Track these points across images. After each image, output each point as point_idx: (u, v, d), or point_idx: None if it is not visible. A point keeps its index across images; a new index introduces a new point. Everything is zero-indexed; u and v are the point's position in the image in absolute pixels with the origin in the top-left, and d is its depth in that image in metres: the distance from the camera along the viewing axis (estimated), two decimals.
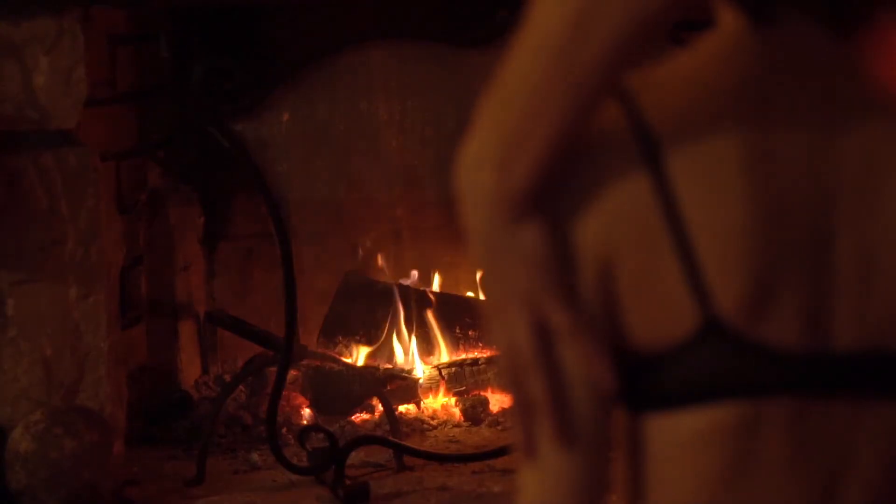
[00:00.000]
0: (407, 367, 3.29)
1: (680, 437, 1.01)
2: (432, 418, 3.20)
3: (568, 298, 0.99)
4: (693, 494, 1.01)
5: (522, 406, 1.00)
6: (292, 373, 3.10)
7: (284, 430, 3.06)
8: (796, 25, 1.00)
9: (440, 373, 3.27)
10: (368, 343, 3.32)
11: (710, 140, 0.99)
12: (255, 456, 2.99)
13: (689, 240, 0.98)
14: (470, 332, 3.36)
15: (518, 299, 0.99)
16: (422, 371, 3.28)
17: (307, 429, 2.98)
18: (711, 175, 0.99)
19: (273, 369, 2.98)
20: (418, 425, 3.16)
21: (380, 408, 3.15)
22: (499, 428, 3.15)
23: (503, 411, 3.20)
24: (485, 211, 1.00)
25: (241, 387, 3.19)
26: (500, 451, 2.91)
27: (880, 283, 0.98)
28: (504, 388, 1.02)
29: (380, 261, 3.44)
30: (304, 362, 3.18)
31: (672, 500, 1.02)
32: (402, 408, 3.20)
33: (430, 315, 3.34)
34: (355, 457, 2.91)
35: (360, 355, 3.32)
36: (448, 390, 3.26)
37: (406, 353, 3.32)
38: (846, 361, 0.99)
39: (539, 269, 0.99)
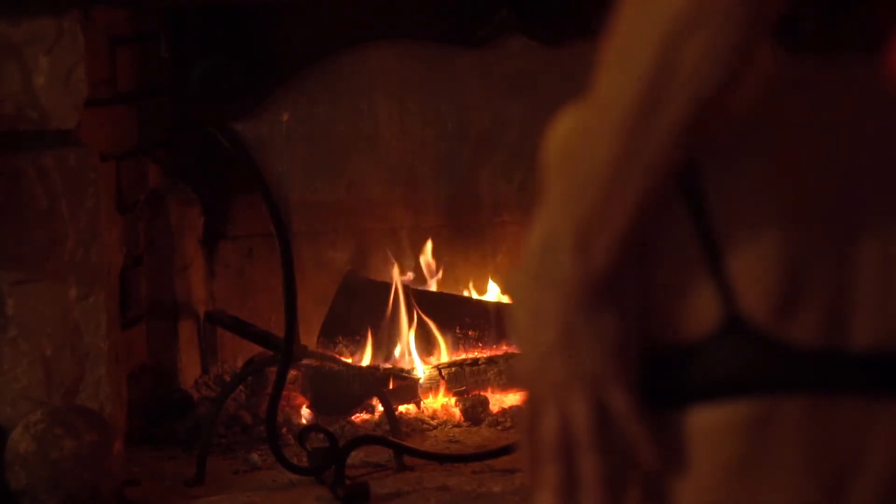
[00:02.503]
0: (407, 367, 3.29)
1: (694, 433, 1.02)
2: (432, 418, 3.19)
3: (632, 382, 1.01)
4: (704, 490, 1.02)
5: (568, 480, 1.03)
6: (292, 373, 3.10)
7: (284, 430, 3.06)
8: (831, 54, 1.02)
9: (440, 373, 3.27)
10: (368, 343, 3.32)
11: (741, 148, 1.01)
12: (255, 456, 2.99)
13: (715, 238, 1.00)
14: (470, 332, 3.36)
15: (586, 381, 1.01)
16: (422, 371, 3.28)
17: (307, 429, 2.98)
18: (741, 181, 1.01)
19: (273, 369, 2.97)
20: (418, 425, 3.16)
21: (380, 408, 3.15)
22: (499, 428, 3.15)
23: (503, 411, 3.20)
24: (561, 294, 1.01)
25: (241, 387, 3.19)
26: (500, 451, 2.91)
27: None
28: (547, 461, 1.03)
29: (380, 261, 3.44)
30: (304, 362, 3.18)
31: (685, 495, 1.03)
32: (402, 408, 3.20)
33: (429, 315, 3.34)
34: (355, 457, 2.91)
35: (360, 355, 3.32)
36: (448, 390, 3.26)
37: (406, 353, 3.32)
38: (862, 361, 1.00)
39: (613, 355, 1.01)
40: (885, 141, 1.01)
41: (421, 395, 3.24)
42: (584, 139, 1.01)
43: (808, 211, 1.00)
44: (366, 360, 3.31)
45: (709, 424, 1.01)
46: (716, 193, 1.01)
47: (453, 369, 3.27)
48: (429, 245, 3.43)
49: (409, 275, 3.43)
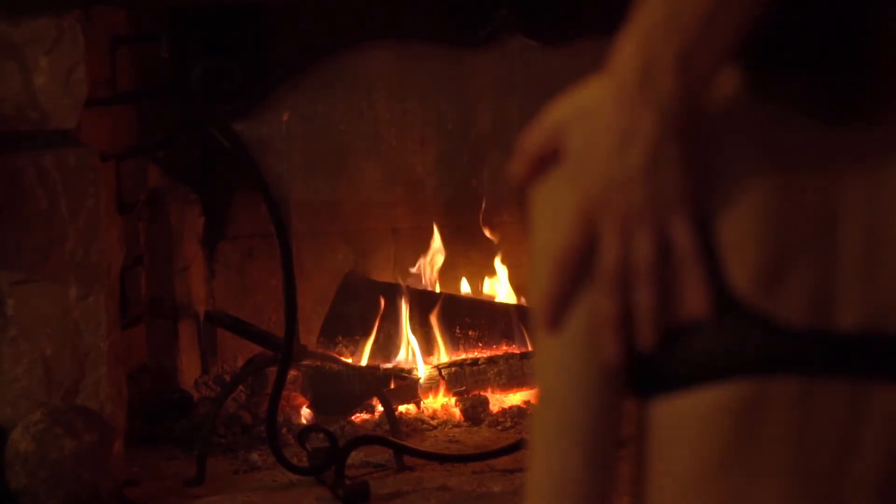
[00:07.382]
0: (407, 367, 3.29)
1: (685, 418, 1.02)
2: (432, 418, 3.20)
3: (696, 222, 1.01)
4: (694, 474, 1.02)
5: (619, 313, 1.02)
6: (292, 373, 3.10)
7: (284, 430, 3.06)
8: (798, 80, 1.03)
9: (440, 373, 3.27)
10: (368, 343, 3.32)
11: (724, 128, 1.02)
12: (255, 456, 2.99)
13: (704, 216, 1.01)
14: (470, 332, 3.36)
15: (660, 210, 1.00)
16: (422, 371, 3.28)
17: (307, 429, 2.98)
18: (726, 159, 1.02)
19: (273, 369, 2.98)
20: (418, 425, 3.16)
21: (380, 408, 3.15)
22: (499, 428, 3.15)
23: (503, 411, 3.20)
24: (659, 114, 1.00)
25: (241, 387, 3.19)
26: (500, 451, 2.91)
27: (885, 266, 1.00)
28: (603, 294, 1.03)
29: (380, 261, 3.44)
30: (304, 362, 3.19)
31: (673, 480, 1.03)
32: (402, 408, 3.20)
33: (430, 315, 3.34)
34: (355, 457, 2.91)
35: (360, 355, 3.32)
36: (448, 390, 3.26)
37: (406, 353, 3.32)
38: (849, 342, 1.00)
39: (691, 186, 1.00)
40: (867, 129, 1.02)
41: (421, 395, 3.24)
42: None
43: (792, 190, 1.01)
44: (366, 360, 3.31)
45: (698, 409, 1.01)
46: (702, 169, 1.02)
47: (453, 369, 3.27)
48: (431, 243, 3.43)
49: (409, 275, 3.43)
